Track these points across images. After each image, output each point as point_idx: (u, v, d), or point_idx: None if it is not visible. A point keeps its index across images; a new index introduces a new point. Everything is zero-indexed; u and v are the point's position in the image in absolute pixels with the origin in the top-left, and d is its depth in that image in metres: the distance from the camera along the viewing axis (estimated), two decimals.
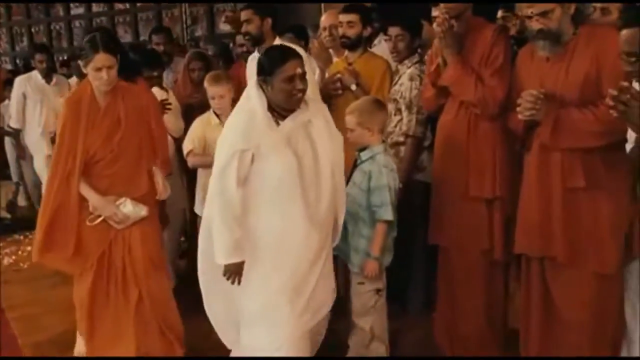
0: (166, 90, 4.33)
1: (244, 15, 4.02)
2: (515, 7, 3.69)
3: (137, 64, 4.19)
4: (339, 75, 3.82)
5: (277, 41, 3.80)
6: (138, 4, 9.59)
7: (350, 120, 3.15)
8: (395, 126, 3.63)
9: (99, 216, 3.27)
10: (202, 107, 4.14)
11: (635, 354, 2.72)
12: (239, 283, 2.79)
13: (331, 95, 3.77)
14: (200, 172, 4.01)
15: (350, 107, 3.20)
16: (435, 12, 3.59)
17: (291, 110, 2.75)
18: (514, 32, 4.20)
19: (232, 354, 3.09)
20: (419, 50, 3.88)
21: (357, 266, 3.16)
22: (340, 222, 3.00)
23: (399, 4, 4.81)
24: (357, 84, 3.76)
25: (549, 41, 2.72)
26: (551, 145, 2.73)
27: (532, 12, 2.69)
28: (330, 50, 4.24)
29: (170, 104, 4.11)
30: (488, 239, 3.15)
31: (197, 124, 3.97)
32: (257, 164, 2.70)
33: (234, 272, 2.78)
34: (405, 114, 3.61)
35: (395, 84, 3.74)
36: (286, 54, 2.74)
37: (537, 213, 2.79)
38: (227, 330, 3.04)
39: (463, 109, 3.14)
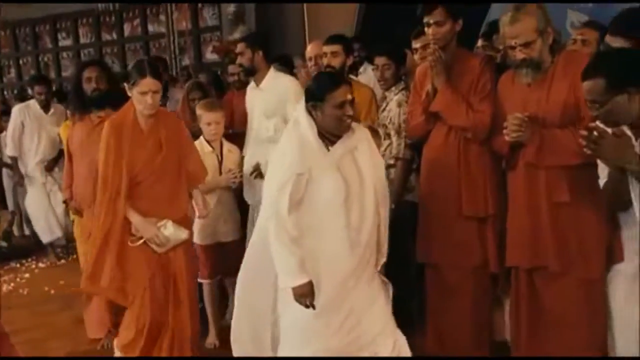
0: (182, 113, 4.46)
1: (238, 48, 4.21)
2: (493, 39, 3.93)
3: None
4: None
5: (271, 71, 4.05)
6: (126, 35, 9.77)
7: None
8: (385, 150, 3.83)
9: (141, 238, 3.32)
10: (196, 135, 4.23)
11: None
12: (313, 307, 2.77)
13: None
14: None
15: None
16: (415, 44, 3.93)
17: (339, 136, 2.81)
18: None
19: None
20: (403, 77, 4.12)
21: None
22: (384, 246, 3.01)
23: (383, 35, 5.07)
24: None
25: (531, 69, 2.95)
26: (537, 163, 2.94)
27: (515, 43, 2.92)
28: None
29: None
30: (480, 254, 3.33)
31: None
32: (309, 187, 2.75)
33: (304, 294, 2.76)
34: (394, 138, 3.80)
35: (383, 110, 3.96)
36: (336, 81, 2.81)
37: (526, 227, 2.97)
38: (246, 346, 3.08)
39: (452, 133, 3.33)
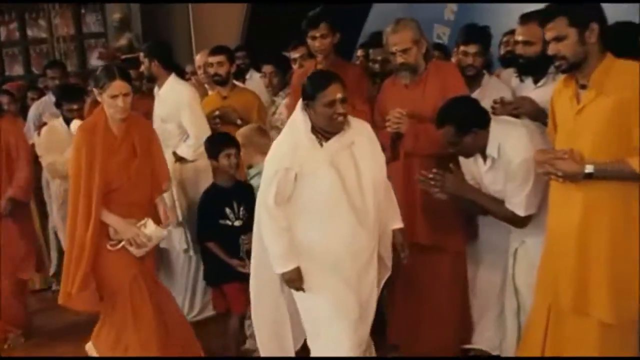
0: None
1: (141, 56, 4.44)
2: (370, 53, 4.45)
3: (57, 98, 4.49)
4: (217, 113, 4.36)
5: (172, 77, 4.31)
6: (2, 39, 9.48)
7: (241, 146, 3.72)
8: None
9: (120, 241, 3.26)
10: None
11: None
12: (303, 290, 2.91)
13: (214, 129, 4.26)
14: None
15: (238, 134, 3.79)
16: (294, 55, 4.47)
17: (335, 133, 2.88)
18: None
19: None
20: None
21: None
22: (389, 237, 3.10)
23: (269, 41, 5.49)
24: (241, 119, 4.31)
25: (409, 72, 3.43)
26: (413, 152, 3.40)
27: (396, 49, 3.39)
28: (206, 85, 4.90)
29: None
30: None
31: None
32: (301, 182, 2.84)
33: (293, 279, 2.89)
34: None
35: (274, 113, 4.37)
36: (327, 79, 2.84)
37: (404, 207, 3.32)
38: (269, 347, 3.15)
39: None
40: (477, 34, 3.87)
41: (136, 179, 3.29)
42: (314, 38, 3.76)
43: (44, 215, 5.30)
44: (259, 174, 3.65)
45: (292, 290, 2.96)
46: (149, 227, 3.28)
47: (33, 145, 5.04)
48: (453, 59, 4.00)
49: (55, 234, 5.10)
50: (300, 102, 2.91)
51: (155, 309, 3.35)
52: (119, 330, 3.36)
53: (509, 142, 2.98)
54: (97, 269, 3.26)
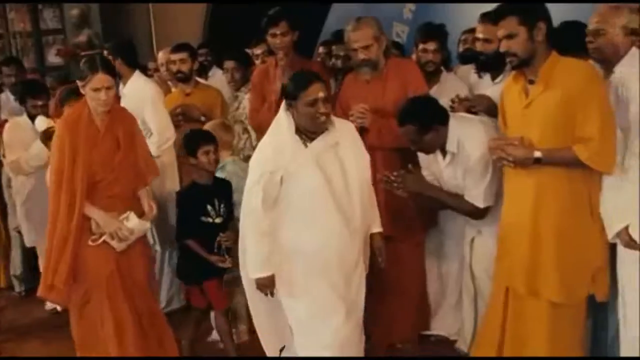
0: (52, 119, 4.41)
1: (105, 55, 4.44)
2: (333, 49, 4.57)
3: (21, 94, 4.43)
4: (179, 110, 4.42)
5: (136, 74, 4.35)
6: None
7: None
8: (245, 143, 4.32)
9: (102, 235, 3.24)
10: None
11: None
12: (272, 295, 2.92)
13: (177, 126, 4.33)
14: None
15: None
16: (256, 51, 4.62)
17: (318, 132, 2.86)
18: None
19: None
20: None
21: None
22: (367, 240, 3.08)
23: (230, 38, 5.57)
24: (204, 115, 4.38)
25: (370, 68, 3.52)
26: (377, 145, 3.47)
27: (357, 46, 3.49)
28: (169, 82, 4.96)
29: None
30: None
31: None
32: (287, 184, 2.81)
33: (265, 285, 2.89)
34: (252, 131, 4.31)
35: (237, 108, 4.46)
36: (308, 79, 2.83)
37: None
38: (270, 339, 3.16)
39: None
40: (435, 32, 4.03)
41: (119, 172, 3.28)
42: (274, 35, 3.85)
43: (3, 215, 5.22)
44: (222, 168, 3.76)
45: (276, 287, 2.94)
46: (132, 221, 3.27)
47: None
48: (413, 57, 4.14)
49: (19, 232, 5.02)
50: (283, 103, 2.91)
51: (131, 306, 3.34)
52: (93, 326, 3.35)
53: (468, 137, 3.11)
54: (75, 262, 3.24)
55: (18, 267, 5.16)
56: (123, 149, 3.28)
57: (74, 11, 8.38)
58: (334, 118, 2.93)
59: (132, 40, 5.32)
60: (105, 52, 4.44)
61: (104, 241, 3.24)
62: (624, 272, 2.72)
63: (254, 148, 4.17)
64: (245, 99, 4.40)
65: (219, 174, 3.74)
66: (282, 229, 2.87)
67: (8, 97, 5.38)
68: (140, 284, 3.38)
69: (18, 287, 5.17)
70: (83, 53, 8.34)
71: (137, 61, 4.59)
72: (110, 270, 3.28)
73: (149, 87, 4.33)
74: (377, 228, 3.09)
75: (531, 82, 2.73)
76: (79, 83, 3.21)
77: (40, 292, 3.34)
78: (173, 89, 4.83)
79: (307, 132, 2.85)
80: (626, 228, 2.62)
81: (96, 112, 3.23)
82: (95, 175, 3.22)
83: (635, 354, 2.68)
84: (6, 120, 4.74)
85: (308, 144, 2.85)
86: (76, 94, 4.41)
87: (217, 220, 3.56)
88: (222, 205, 3.58)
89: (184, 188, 3.76)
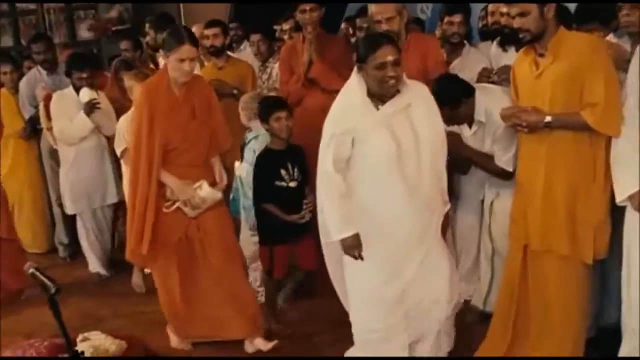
0: (96, 91, 4.72)
1: (147, 28, 4.72)
2: (357, 22, 4.79)
3: (67, 67, 4.63)
4: (212, 86, 4.58)
5: None
6: None
7: (240, 110, 4.05)
8: None
9: (175, 202, 3.35)
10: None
11: None
12: (361, 258, 2.81)
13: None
14: None
15: (241, 99, 4.12)
16: (285, 27, 4.88)
17: (388, 96, 2.80)
18: None
19: None
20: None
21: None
22: (445, 195, 3.03)
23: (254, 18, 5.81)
24: (236, 88, 4.61)
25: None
26: None
27: (380, 17, 3.68)
28: (202, 57, 5.12)
29: (99, 103, 4.57)
30: None
31: (123, 123, 4.14)
32: (357, 146, 2.78)
33: (351, 246, 2.81)
34: None
35: (269, 78, 4.71)
36: (378, 41, 2.78)
37: None
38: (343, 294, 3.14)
39: (325, 97, 3.97)
40: (461, 6, 4.28)
41: (193, 141, 3.37)
42: (303, 11, 4.10)
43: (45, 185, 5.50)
44: (256, 138, 3.99)
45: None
46: (204, 189, 3.35)
47: (30, 119, 5.30)
48: (437, 32, 4.37)
49: (60, 205, 5.22)
50: (355, 66, 2.88)
51: (203, 270, 3.48)
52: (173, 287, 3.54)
53: (495, 107, 3.26)
54: (156, 227, 3.36)
55: (63, 236, 5.46)
56: (198, 118, 3.37)
57: None
58: (408, 80, 2.88)
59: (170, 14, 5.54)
60: (146, 26, 4.69)
61: (178, 208, 3.37)
62: (630, 234, 2.89)
63: None
64: (275, 69, 4.66)
65: (252, 144, 3.95)
66: (355, 190, 2.83)
67: (41, 72, 5.48)
68: (213, 247, 3.46)
69: (62, 253, 5.49)
70: (114, 28, 8.64)
71: None
72: (179, 237, 3.41)
73: None
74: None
75: (541, 55, 2.94)
76: (162, 53, 3.29)
77: (127, 255, 3.56)
78: (205, 63, 5.06)
79: (378, 95, 2.80)
80: (639, 192, 2.75)
81: (175, 82, 3.31)
82: (170, 143, 3.32)
83: (636, 316, 2.84)
84: (50, 94, 4.94)
85: (380, 106, 2.81)
86: (126, 66, 4.78)
87: (292, 184, 3.67)
88: (295, 170, 3.68)
89: (259, 154, 3.83)
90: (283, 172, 3.67)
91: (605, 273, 3.19)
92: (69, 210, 5.02)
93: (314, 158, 3.60)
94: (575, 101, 2.87)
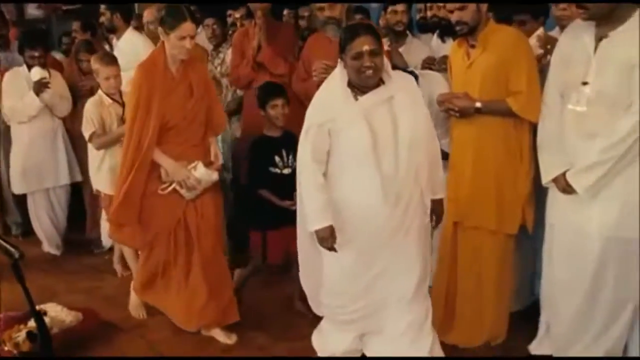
0: (48, 71, 4.73)
1: (101, 8, 4.81)
2: (299, 10, 5.01)
3: (19, 44, 4.61)
4: None
5: (130, 30, 4.73)
6: None
7: None
8: (232, 95, 4.74)
9: (171, 184, 3.33)
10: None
11: None
12: (334, 250, 2.79)
13: None
14: (106, 153, 4.12)
15: None
16: (236, 14, 5.01)
17: (370, 87, 2.75)
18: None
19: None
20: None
21: None
22: (439, 185, 2.96)
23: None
24: None
25: (335, 25, 3.89)
26: None
27: (324, 5, 3.86)
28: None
29: (49, 83, 4.60)
30: None
31: (91, 107, 4.08)
32: (334, 137, 2.75)
33: (324, 238, 2.78)
34: None
35: (222, 63, 4.86)
36: (355, 31, 2.72)
37: None
38: (315, 299, 3.08)
39: (273, 79, 4.15)
40: None
41: (191, 119, 3.38)
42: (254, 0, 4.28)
43: None
44: None
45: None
46: (199, 170, 3.35)
47: None
48: (381, 21, 4.57)
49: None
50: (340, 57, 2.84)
51: (195, 253, 3.47)
52: (155, 271, 3.56)
53: (436, 93, 3.44)
54: (145, 210, 3.39)
55: (16, 214, 5.48)
56: (195, 96, 3.38)
57: None
58: (393, 72, 2.84)
59: None
60: (102, 7, 4.77)
61: (174, 189, 3.37)
62: (551, 213, 3.14)
63: (237, 101, 4.66)
64: (228, 54, 4.80)
65: None
66: (333, 180, 2.82)
67: None
68: (207, 231, 3.48)
69: (14, 231, 5.51)
70: (65, 7, 8.57)
71: (132, 16, 4.92)
72: (177, 219, 3.43)
73: (143, 42, 4.65)
74: (437, 194, 2.95)
75: (472, 46, 3.21)
76: (161, 30, 3.28)
77: (110, 233, 3.60)
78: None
79: (359, 86, 2.76)
80: (563, 174, 2.95)
81: (173, 60, 3.32)
82: (169, 122, 3.32)
83: (554, 287, 3.11)
84: (7, 69, 4.96)
85: (359, 97, 2.76)
86: (87, 47, 4.81)
87: (285, 171, 3.68)
88: (290, 157, 3.67)
89: (253, 140, 3.83)
90: (277, 158, 3.69)
91: (536, 249, 3.45)
92: (16, 190, 5.06)
93: None
94: (502, 89, 3.16)
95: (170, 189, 3.36)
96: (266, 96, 3.73)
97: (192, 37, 3.25)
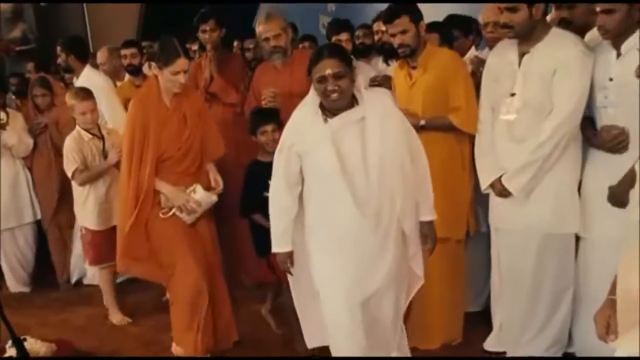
0: (5, 111, 4.81)
1: (58, 49, 4.93)
2: (245, 43, 5.24)
3: None
4: None
5: (87, 68, 4.86)
6: None
7: None
8: None
9: (171, 208, 3.37)
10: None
11: None
12: (290, 273, 2.88)
13: None
14: (90, 188, 4.18)
15: None
16: (192, 47, 5.25)
17: (341, 109, 2.71)
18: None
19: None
20: None
21: None
22: (425, 204, 2.89)
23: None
24: None
25: (281, 54, 4.09)
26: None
27: (269, 35, 4.05)
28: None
29: (6, 124, 4.68)
30: None
31: (71, 143, 4.11)
32: (303, 160, 2.76)
33: (282, 261, 2.85)
34: None
35: None
36: (319, 55, 2.73)
37: None
38: (312, 329, 3.04)
39: (224, 108, 4.44)
40: (346, 25, 4.80)
41: (187, 149, 3.45)
42: (204, 31, 4.48)
43: None
44: None
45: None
46: (198, 193, 3.41)
47: None
48: None
49: None
50: None
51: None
52: (182, 297, 3.47)
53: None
54: (152, 239, 3.44)
55: None
56: (190, 126, 3.46)
57: (7, 6, 8.56)
58: (367, 92, 2.83)
59: (81, 37, 5.74)
60: (58, 49, 4.91)
61: (175, 214, 3.40)
62: (494, 217, 3.39)
63: None
64: None
65: None
66: (308, 202, 2.83)
67: None
68: (207, 255, 3.53)
69: None
70: (18, 48, 8.64)
71: (88, 56, 5.06)
72: (189, 244, 3.42)
73: (101, 80, 4.79)
74: (425, 216, 2.88)
75: (414, 67, 3.48)
76: (155, 65, 3.37)
77: (119, 268, 3.59)
78: (118, 83, 5.25)
79: (329, 108, 2.73)
80: (499, 179, 3.21)
81: (167, 93, 3.42)
82: (165, 153, 3.41)
83: (500, 285, 3.40)
84: None
85: (329, 120, 2.73)
86: (42, 83, 4.90)
87: None
88: None
89: (248, 166, 3.84)
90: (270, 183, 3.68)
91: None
92: None
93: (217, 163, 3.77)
94: (443, 106, 3.43)
95: (170, 213, 3.41)
96: (255, 122, 3.76)
97: (185, 72, 3.36)
